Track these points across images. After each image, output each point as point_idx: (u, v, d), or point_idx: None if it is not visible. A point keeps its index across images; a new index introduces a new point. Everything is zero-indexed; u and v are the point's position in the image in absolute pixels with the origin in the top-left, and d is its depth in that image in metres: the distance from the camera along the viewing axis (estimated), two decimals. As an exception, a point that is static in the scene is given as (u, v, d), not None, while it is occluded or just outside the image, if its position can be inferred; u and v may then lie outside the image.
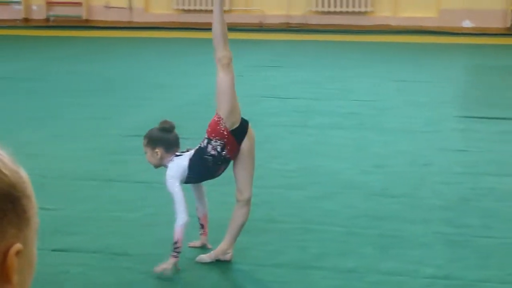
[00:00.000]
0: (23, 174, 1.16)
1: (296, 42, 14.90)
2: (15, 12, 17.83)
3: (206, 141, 4.73)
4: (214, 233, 5.05)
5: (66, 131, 8.18)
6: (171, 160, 4.75)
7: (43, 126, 8.43)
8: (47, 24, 17.49)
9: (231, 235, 4.90)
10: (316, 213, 5.78)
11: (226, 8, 16.74)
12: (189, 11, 16.99)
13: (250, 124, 4.84)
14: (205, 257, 4.91)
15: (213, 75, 8.77)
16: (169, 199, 5.79)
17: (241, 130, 4.75)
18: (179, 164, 4.73)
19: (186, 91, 10.26)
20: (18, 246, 1.10)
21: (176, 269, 4.69)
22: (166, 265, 4.65)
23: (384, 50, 13.84)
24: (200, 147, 4.76)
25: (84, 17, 17.51)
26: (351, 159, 7.13)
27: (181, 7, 17.13)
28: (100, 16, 17.54)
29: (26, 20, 17.71)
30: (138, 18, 17.31)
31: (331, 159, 7.16)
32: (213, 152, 4.70)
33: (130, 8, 17.40)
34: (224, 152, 4.71)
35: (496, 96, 9.89)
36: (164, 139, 4.78)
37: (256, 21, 16.76)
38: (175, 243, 4.64)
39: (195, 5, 16.99)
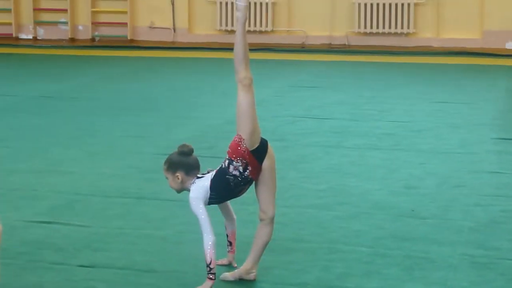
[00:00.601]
0: None
1: (337, 63, 14.89)
2: (62, 32, 18.09)
3: (227, 161, 4.76)
4: (241, 252, 5.07)
5: (102, 149, 8.29)
6: (193, 182, 4.78)
7: (81, 143, 8.54)
8: (93, 44, 17.71)
9: (255, 254, 4.92)
10: (343, 233, 5.77)
11: (269, 29, 16.85)
12: (232, 31, 17.08)
13: (269, 144, 4.85)
14: (228, 275, 4.93)
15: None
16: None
17: (261, 150, 4.77)
18: (200, 185, 4.75)
19: (225, 110, 10.28)
20: None
21: None
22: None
23: (425, 71, 13.77)
24: (221, 167, 4.78)
25: (129, 37, 17.69)
26: (382, 180, 7.10)
27: (224, 28, 17.24)
28: (144, 36, 17.72)
29: (72, 40, 17.95)
30: (182, 38, 17.46)
31: (363, 179, 7.14)
32: (235, 172, 4.73)
33: (174, 28, 17.56)
34: (246, 173, 4.74)
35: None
36: (183, 163, 4.80)
37: (298, 42, 16.81)
38: (208, 265, 4.65)
39: (238, 25, 17.07)
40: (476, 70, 13.93)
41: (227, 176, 4.75)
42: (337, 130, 9.18)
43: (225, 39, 17.03)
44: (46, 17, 18.23)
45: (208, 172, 4.84)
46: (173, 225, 5.95)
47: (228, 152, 4.79)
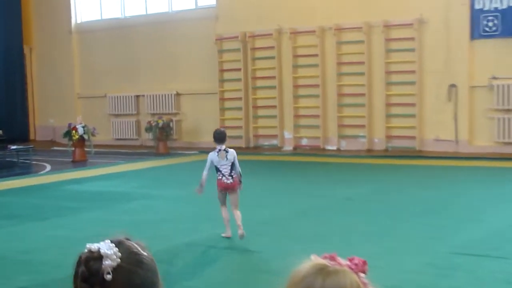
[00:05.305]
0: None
1: None
2: (361, 143, 18.33)
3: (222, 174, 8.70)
4: None
5: (399, 246, 8.08)
6: (215, 148, 8.75)
7: (380, 241, 8.41)
8: (386, 154, 17.73)
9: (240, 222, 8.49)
10: None
11: None
12: (509, 143, 16.36)
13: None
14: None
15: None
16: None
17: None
18: (212, 155, 8.70)
19: (507, 215, 9.73)
20: None
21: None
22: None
23: None
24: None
25: (417, 148, 17.53)
26: None
27: (501, 140, 16.55)
28: (430, 147, 17.47)
29: (369, 150, 18.12)
30: (463, 149, 16.98)
31: None
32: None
33: (457, 140, 17.14)
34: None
35: None
36: (214, 137, 8.82)
37: None
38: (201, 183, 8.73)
39: (515, 138, 16.37)
40: None
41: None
42: None
43: (503, 149, 16.36)
44: (348, 131, 18.59)
45: (226, 151, 8.64)
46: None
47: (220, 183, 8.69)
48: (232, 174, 8.60)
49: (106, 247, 1.66)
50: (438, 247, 7.95)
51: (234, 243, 8.56)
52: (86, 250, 1.69)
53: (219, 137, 8.70)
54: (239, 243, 8.47)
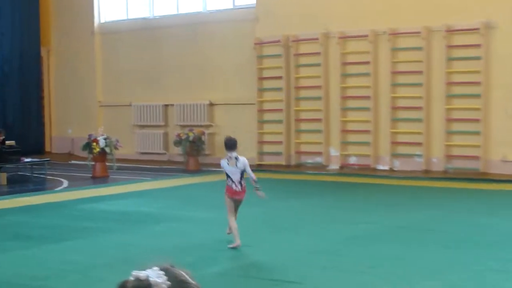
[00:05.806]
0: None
1: None
2: (417, 164, 18.19)
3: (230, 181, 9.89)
4: None
5: (461, 282, 7.97)
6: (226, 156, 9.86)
7: (440, 275, 8.29)
8: (445, 175, 17.56)
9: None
10: None
11: None
12: None
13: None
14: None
15: None
16: None
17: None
18: (223, 162, 9.88)
19: None
20: None
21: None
22: (260, 193, 9.83)
23: None
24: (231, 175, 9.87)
25: (481, 170, 17.33)
26: None
27: None
28: (496, 169, 17.27)
29: (426, 171, 17.98)
30: (535, 172, 16.78)
31: None
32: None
33: (528, 162, 16.95)
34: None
35: None
36: (225, 144, 9.96)
37: None
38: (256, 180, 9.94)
39: None
40: None
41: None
42: None
43: None
44: (402, 149, 18.47)
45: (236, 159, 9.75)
46: None
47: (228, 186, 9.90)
48: (242, 182, 9.85)
49: (155, 275, 1.75)
50: (505, 284, 7.84)
51: (270, 272, 8.52)
52: (132, 278, 1.78)
53: (230, 144, 9.90)
54: (276, 273, 8.42)
